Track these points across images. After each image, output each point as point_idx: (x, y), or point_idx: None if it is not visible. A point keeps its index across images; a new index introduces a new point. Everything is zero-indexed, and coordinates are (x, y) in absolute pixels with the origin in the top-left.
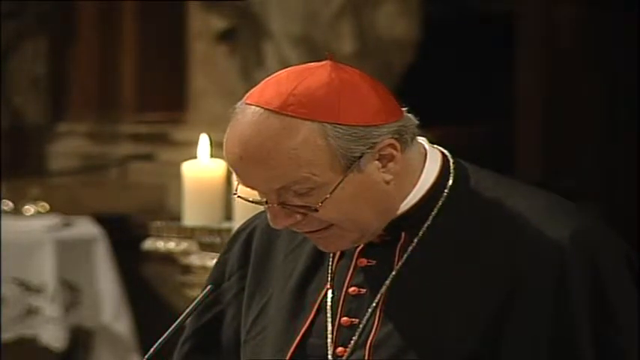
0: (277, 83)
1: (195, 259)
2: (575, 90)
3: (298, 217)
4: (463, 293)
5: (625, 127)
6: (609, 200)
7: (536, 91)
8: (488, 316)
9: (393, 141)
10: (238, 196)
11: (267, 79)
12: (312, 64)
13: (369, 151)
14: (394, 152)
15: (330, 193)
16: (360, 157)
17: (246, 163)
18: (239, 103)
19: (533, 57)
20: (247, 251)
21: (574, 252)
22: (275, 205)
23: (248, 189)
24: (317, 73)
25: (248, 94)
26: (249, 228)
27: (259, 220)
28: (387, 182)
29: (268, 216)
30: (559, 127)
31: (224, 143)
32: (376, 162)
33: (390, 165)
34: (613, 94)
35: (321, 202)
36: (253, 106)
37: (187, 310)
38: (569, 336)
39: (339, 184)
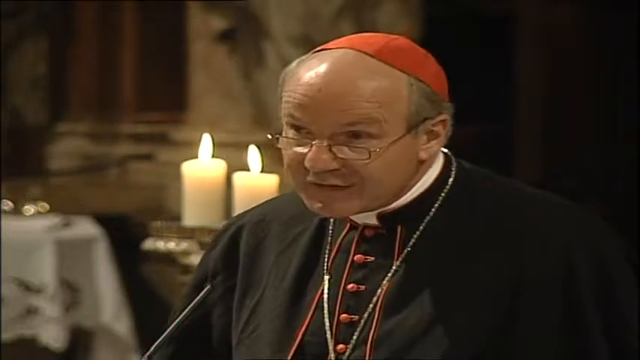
0: (366, 37)
1: (195, 259)
2: (575, 90)
3: (336, 164)
4: (467, 291)
5: (625, 127)
6: (609, 200)
7: (536, 91)
8: (494, 315)
9: (448, 117)
10: (277, 136)
11: (347, 37)
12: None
13: (430, 119)
14: (442, 131)
15: (391, 143)
16: (424, 121)
17: (323, 95)
18: (309, 54)
19: (533, 57)
20: (233, 251)
21: (581, 249)
22: (323, 145)
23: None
24: (401, 39)
25: (324, 46)
26: (235, 226)
27: (246, 219)
28: (421, 161)
29: (309, 155)
30: (559, 127)
31: (292, 80)
32: (424, 136)
33: (432, 143)
34: (613, 94)
35: (379, 148)
36: (344, 49)
37: (186, 310)
38: (583, 333)
39: (399, 138)
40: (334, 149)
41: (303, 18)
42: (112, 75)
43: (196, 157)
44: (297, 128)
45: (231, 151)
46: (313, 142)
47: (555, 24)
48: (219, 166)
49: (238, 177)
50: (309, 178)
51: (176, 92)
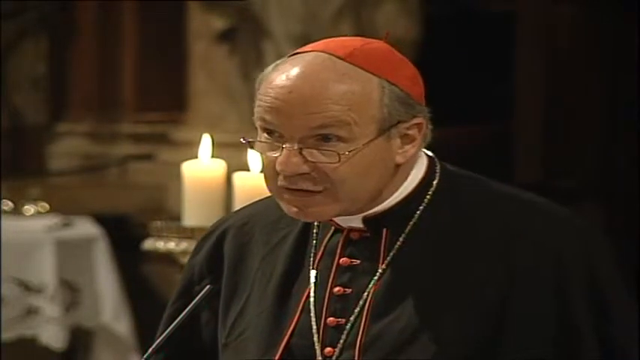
0: (340, 40)
1: None
2: (575, 90)
3: (306, 167)
4: (455, 294)
5: (625, 127)
6: (609, 200)
7: (536, 91)
8: (483, 318)
9: (423, 121)
10: (247, 140)
11: (323, 40)
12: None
13: (404, 122)
14: (417, 135)
15: (361, 147)
16: (396, 124)
17: (293, 98)
18: (284, 58)
19: (533, 57)
20: (217, 255)
21: (573, 255)
22: (294, 148)
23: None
24: (377, 42)
25: (298, 50)
26: (219, 230)
27: (230, 223)
28: (397, 165)
29: (279, 158)
30: (559, 127)
31: (265, 84)
32: (398, 140)
33: (408, 147)
34: (613, 94)
35: (349, 152)
36: (316, 52)
37: (186, 311)
38: (574, 335)
39: (370, 141)
40: (305, 152)
41: (303, 18)
42: (112, 75)
43: (196, 157)
44: (269, 132)
45: (231, 151)
46: (284, 146)
47: (555, 24)
48: (219, 166)
49: (238, 177)
50: (280, 182)
51: (176, 92)
